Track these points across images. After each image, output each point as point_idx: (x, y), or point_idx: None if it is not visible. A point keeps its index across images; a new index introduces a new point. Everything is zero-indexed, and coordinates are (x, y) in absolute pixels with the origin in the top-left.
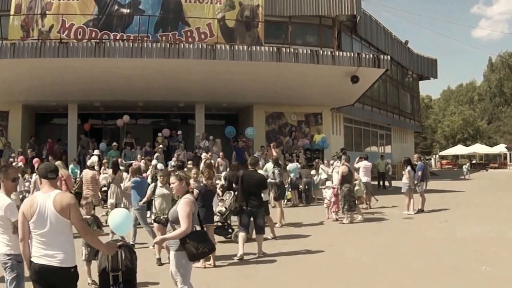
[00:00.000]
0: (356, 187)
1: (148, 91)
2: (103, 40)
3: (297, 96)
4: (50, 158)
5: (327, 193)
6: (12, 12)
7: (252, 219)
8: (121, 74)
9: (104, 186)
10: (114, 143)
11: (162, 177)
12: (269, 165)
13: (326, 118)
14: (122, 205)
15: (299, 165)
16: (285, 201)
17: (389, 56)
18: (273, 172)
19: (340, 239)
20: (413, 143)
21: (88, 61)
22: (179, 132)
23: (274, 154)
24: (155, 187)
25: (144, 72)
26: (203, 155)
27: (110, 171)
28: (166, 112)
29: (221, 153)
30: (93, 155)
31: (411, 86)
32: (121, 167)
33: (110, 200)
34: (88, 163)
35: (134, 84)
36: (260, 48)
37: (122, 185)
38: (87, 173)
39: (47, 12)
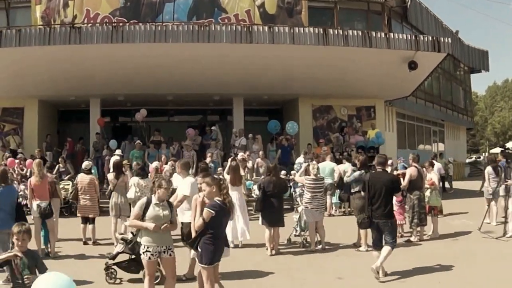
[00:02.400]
0: (427, 194)
1: (177, 83)
2: (120, 23)
3: (347, 86)
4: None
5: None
6: (32, 3)
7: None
8: (143, 64)
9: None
10: (138, 141)
11: (160, 189)
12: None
13: (379, 112)
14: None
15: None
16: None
17: (450, 39)
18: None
19: (415, 267)
20: (466, 140)
21: (104, 48)
22: (213, 128)
23: (324, 152)
24: (147, 203)
25: (170, 60)
26: (240, 154)
27: (111, 175)
28: (202, 107)
29: (261, 152)
30: (114, 155)
31: (462, 79)
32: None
33: (111, 213)
34: (84, 165)
35: (159, 74)
36: (304, 29)
37: (129, 194)
38: (83, 178)
39: (69, 1)
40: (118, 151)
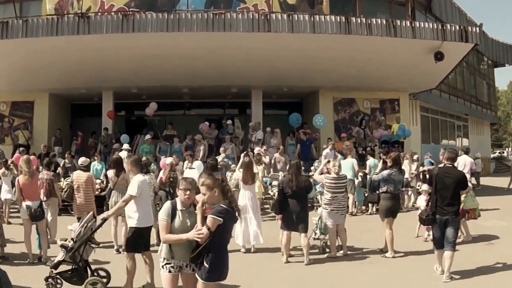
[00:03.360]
0: (463, 196)
1: (192, 75)
2: (130, 12)
3: (370, 78)
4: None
5: (420, 201)
6: None
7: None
8: (155, 54)
9: None
10: (148, 135)
11: (186, 191)
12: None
13: (403, 106)
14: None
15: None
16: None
17: (477, 29)
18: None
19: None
20: (489, 135)
21: (114, 38)
22: (229, 122)
23: (347, 147)
24: (173, 209)
25: (183, 50)
26: (256, 149)
27: (111, 172)
28: (219, 100)
29: (281, 147)
30: (121, 150)
31: (486, 73)
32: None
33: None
34: (80, 161)
35: (173, 65)
36: (325, 17)
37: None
38: (79, 176)
39: None
40: (126, 146)
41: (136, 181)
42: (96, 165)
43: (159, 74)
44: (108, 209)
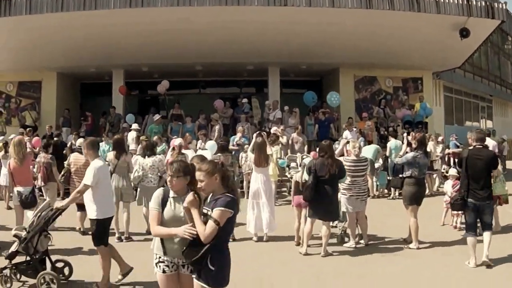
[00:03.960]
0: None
1: (205, 51)
2: None
3: (392, 56)
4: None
5: (447, 186)
6: None
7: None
8: (166, 30)
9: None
10: (157, 115)
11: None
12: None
13: (427, 85)
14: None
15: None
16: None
17: (504, 4)
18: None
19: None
20: None
21: (122, 13)
22: (244, 101)
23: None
24: (164, 196)
25: (195, 26)
26: (273, 129)
27: (111, 154)
28: (235, 78)
29: (299, 127)
30: (130, 130)
31: (511, 53)
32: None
33: (113, 200)
34: (78, 143)
35: (185, 42)
36: None
37: (132, 175)
38: (77, 159)
39: None
40: (135, 125)
41: (92, 168)
42: (103, 146)
43: (170, 51)
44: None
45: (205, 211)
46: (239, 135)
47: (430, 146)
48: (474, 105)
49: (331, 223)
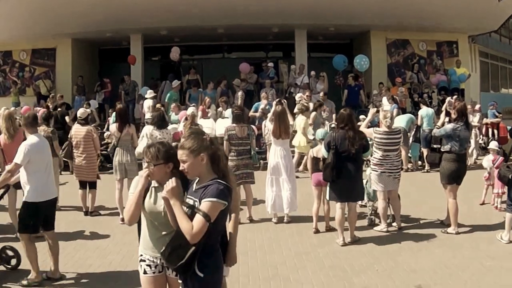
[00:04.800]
0: None
1: (227, 12)
2: None
3: (426, 18)
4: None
5: (486, 161)
6: None
7: None
8: None
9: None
10: (175, 81)
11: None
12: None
13: (463, 49)
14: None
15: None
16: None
17: None
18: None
19: None
20: None
21: None
22: (270, 65)
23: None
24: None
25: None
26: (298, 95)
27: (113, 126)
28: (260, 42)
29: (321, 94)
30: (146, 98)
31: None
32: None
33: (115, 175)
34: (79, 113)
35: (205, 2)
36: None
37: (138, 148)
38: (78, 131)
39: None
40: (150, 93)
41: (23, 145)
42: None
43: (189, 12)
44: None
45: (191, 201)
46: (264, 101)
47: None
48: (510, 71)
49: (359, 202)
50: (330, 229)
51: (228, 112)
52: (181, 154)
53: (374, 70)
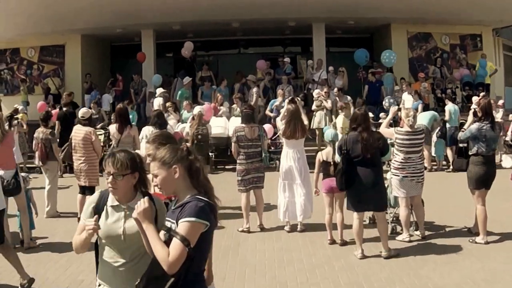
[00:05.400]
0: None
1: (241, 6)
2: None
3: (449, 9)
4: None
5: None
6: None
7: None
8: None
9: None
10: (186, 78)
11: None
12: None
13: (487, 42)
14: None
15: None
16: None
17: None
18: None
19: None
20: None
21: None
22: (286, 60)
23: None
24: (100, 201)
25: None
26: (315, 92)
27: (113, 127)
28: (277, 36)
29: (335, 90)
30: (155, 97)
31: None
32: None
33: None
34: (81, 113)
35: None
36: None
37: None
38: (77, 132)
39: None
40: (160, 90)
41: None
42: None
43: (201, 6)
44: None
45: (168, 224)
46: (279, 99)
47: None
48: None
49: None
50: (344, 242)
51: None
52: (152, 167)
53: (396, 65)
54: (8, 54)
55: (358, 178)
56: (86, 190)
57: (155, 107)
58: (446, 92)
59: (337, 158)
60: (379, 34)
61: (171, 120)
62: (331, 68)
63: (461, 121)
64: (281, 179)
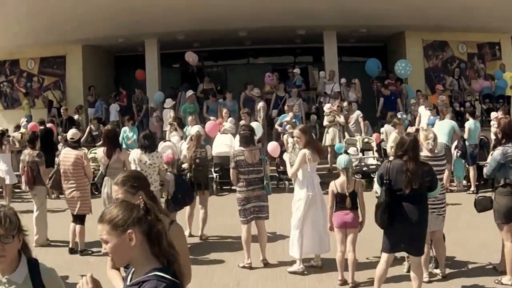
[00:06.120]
0: None
1: (248, 14)
2: None
3: (466, 16)
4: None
5: None
6: None
7: None
8: None
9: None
10: (189, 91)
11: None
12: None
13: (506, 50)
14: None
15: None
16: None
17: None
18: None
19: None
20: None
21: None
22: (296, 71)
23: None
24: None
25: None
26: (326, 106)
27: (100, 151)
28: (287, 45)
29: (345, 103)
30: (165, 108)
31: None
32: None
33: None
34: (70, 134)
35: (224, 2)
36: None
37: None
38: (67, 156)
39: None
40: (168, 102)
41: None
42: (127, 131)
43: (206, 14)
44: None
45: None
46: (290, 114)
47: None
48: None
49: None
50: (356, 284)
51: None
52: (101, 230)
53: (411, 76)
54: (8, 65)
55: (400, 215)
56: (77, 219)
57: (166, 119)
58: (465, 105)
59: (376, 188)
60: (393, 43)
61: (174, 137)
62: (343, 80)
63: (481, 137)
64: (303, 210)
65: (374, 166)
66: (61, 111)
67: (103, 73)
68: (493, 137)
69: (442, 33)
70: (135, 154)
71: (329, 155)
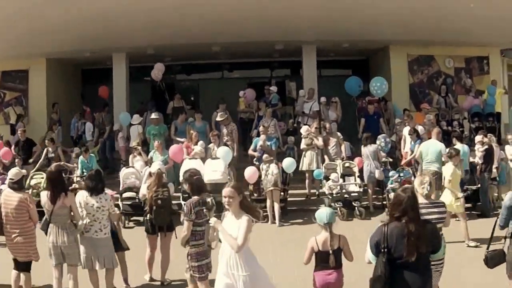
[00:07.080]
0: None
1: (221, 28)
2: None
3: (452, 29)
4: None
5: None
6: None
7: None
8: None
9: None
10: (154, 114)
11: None
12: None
13: (494, 65)
14: None
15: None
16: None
17: None
18: None
19: None
20: None
21: None
22: (272, 89)
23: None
24: None
25: None
26: (304, 128)
27: (44, 195)
28: (264, 59)
29: (327, 125)
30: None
31: None
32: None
33: (51, 261)
34: (11, 174)
35: (194, 16)
36: None
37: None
38: (9, 198)
39: None
40: (136, 118)
41: None
42: (82, 161)
43: (178, 28)
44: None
45: None
46: (263, 137)
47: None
48: None
49: None
50: None
51: (220, 151)
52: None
53: (395, 92)
54: None
55: (400, 283)
56: (22, 266)
57: (133, 136)
58: (453, 124)
59: (369, 256)
60: (376, 57)
61: (138, 162)
62: (323, 99)
63: (470, 161)
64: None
65: (356, 194)
66: (18, 132)
67: (69, 88)
68: (478, 161)
69: (428, 47)
70: (81, 196)
71: (307, 181)
